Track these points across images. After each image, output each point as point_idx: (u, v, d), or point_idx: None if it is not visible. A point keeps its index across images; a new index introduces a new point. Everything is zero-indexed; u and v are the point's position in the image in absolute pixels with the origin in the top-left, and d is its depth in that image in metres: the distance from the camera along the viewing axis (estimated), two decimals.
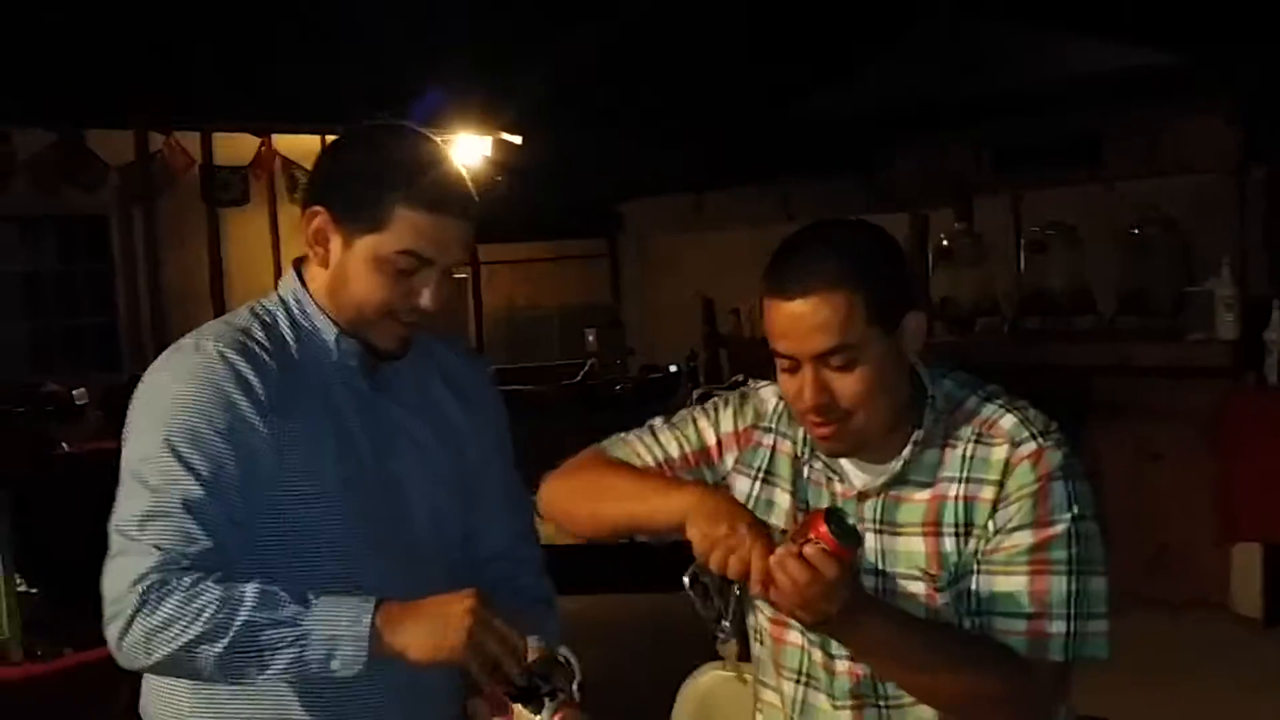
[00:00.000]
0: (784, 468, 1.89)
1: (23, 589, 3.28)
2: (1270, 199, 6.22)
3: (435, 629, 1.62)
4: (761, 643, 1.96)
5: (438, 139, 1.85)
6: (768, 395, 1.94)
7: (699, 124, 10.43)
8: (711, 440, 1.95)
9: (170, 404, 1.72)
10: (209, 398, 1.72)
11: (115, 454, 1.77)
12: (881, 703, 1.82)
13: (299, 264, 1.89)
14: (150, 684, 1.87)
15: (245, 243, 9.11)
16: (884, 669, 1.75)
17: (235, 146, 8.96)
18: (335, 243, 1.80)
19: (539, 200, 9.82)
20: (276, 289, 1.90)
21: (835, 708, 1.85)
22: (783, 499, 1.89)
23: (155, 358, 1.83)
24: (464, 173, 1.84)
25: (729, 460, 1.93)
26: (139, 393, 1.79)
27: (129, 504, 1.70)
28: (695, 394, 7.74)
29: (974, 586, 1.74)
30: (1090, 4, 7.01)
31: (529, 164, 9.51)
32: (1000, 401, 1.80)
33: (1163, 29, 6.38)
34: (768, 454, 1.91)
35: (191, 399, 1.72)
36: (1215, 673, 5.08)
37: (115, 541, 1.69)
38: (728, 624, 1.71)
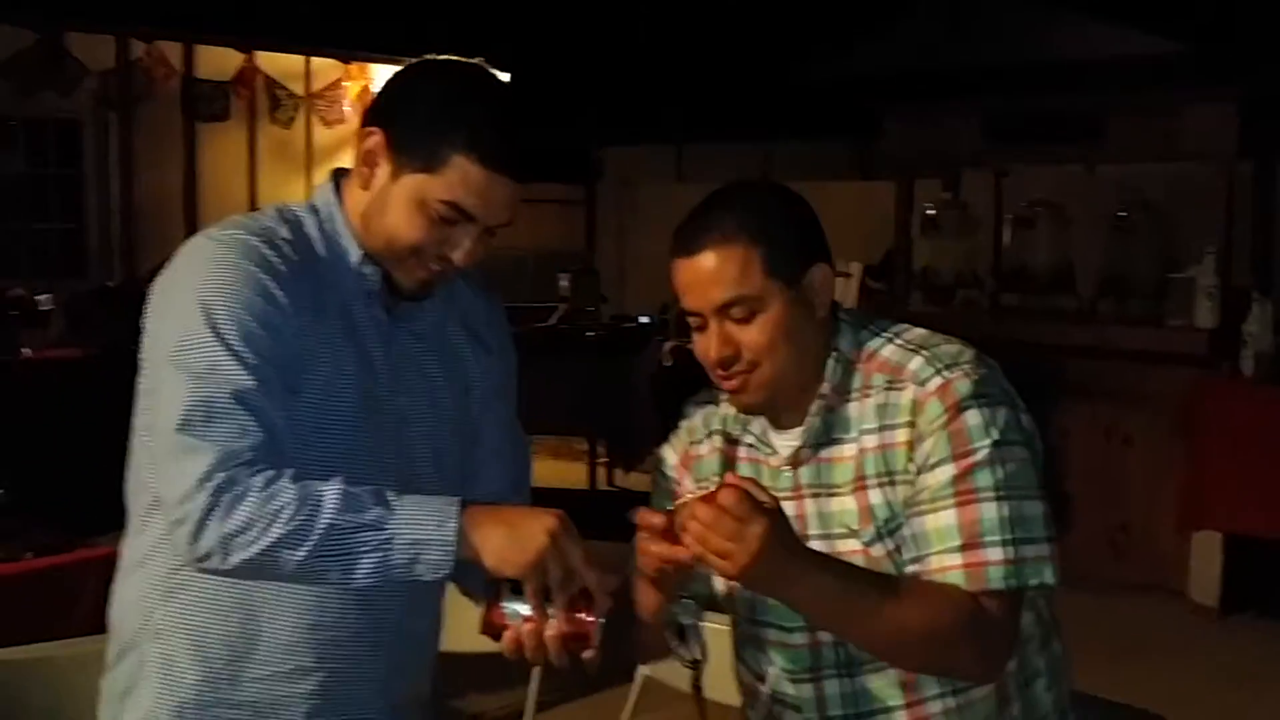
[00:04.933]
0: (718, 466, 1.90)
1: None
2: (1258, 191, 6.20)
3: (510, 541, 1.56)
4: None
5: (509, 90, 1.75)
6: (691, 410, 1.98)
7: (690, 77, 10.33)
8: (673, 486, 1.95)
9: (209, 290, 1.62)
10: (251, 286, 1.63)
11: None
12: (843, 671, 1.78)
13: (338, 175, 1.80)
14: (120, 594, 1.79)
15: (221, 159, 8.95)
16: (830, 623, 1.70)
17: (218, 60, 8.78)
18: (383, 170, 1.70)
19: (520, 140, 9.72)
20: (313, 196, 1.81)
21: (795, 681, 1.83)
22: None
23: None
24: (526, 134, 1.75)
25: (687, 487, 1.92)
26: (167, 280, 1.68)
27: (173, 396, 1.58)
28: (666, 347, 7.71)
29: (908, 534, 1.71)
30: None
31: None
32: (911, 344, 1.78)
33: (1166, 17, 6.34)
34: (707, 460, 1.92)
35: (232, 286, 1.62)
36: (1166, 658, 5.10)
37: (166, 438, 1.58)
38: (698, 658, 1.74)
